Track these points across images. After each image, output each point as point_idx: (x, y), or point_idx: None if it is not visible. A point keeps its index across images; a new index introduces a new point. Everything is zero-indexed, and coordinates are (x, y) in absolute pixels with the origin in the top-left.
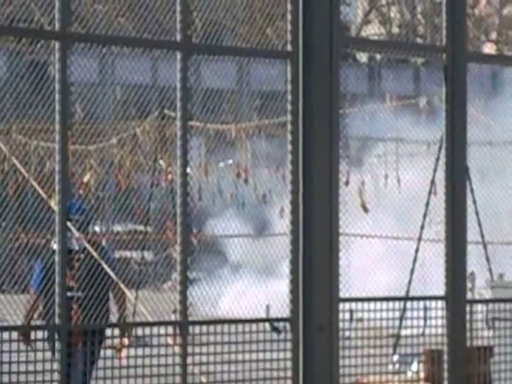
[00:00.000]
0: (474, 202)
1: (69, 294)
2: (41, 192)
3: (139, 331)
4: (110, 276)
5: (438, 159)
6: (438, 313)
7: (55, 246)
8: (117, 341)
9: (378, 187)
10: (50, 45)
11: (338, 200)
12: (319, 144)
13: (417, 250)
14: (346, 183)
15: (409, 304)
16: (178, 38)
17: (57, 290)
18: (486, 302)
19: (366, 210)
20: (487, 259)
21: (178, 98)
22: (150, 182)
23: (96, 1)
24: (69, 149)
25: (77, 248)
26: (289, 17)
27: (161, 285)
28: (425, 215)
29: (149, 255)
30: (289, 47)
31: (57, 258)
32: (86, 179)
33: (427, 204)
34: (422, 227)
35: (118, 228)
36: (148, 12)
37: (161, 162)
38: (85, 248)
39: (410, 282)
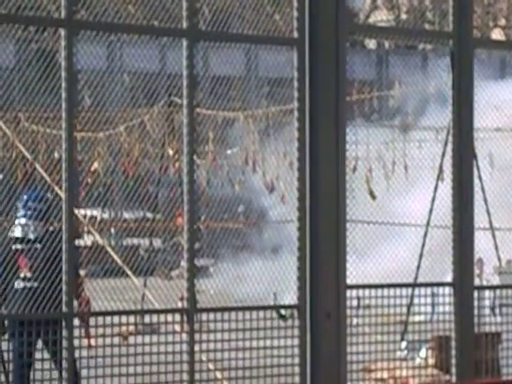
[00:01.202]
0: (483, 189)
1: (23, 284)
2: (48, 179)
3: (147, 318)
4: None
5: (446, 144)
6: (445, 299)
7: (13, 234)
8: (124, 328)
9: (386, 173)
10: (56, 32)
11: (345, 187)
12: (326, 131)
13: (425, 235)
14: (354, 170)
15: (417, 290)
16: (185, 25)
17: (64, 279)
18: (493, 288)
19: (373, 197)
20: (495, 245)
21: (185, 86)
22: (158, 169)
23: None
24: (76, 136)
25: (32, 237)
26: (295, 4)
27: (169, 272)
28: (433, 200)
29: (157, 242)
30: (295, 34)
31: (64, 246)
32: (94, 167)
33: (435, 189)
34: (431, 211)
35: (126, 215)
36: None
37: (168, 149)
38: (43, 237)
39: (418, 268)
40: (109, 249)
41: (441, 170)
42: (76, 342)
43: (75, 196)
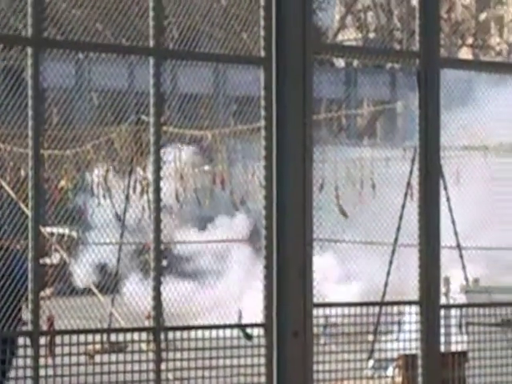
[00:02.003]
0: (450, 210)
1: None
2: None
3: (113, 337)
4: (23, 284)
5: (413, 162)
6: (412, 317)
7: None
8: (90, 347)
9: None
10: (24, 50)
11: (311, 204)
12: (292, 149)
13: (393, 252)
14: (321, 188)
15: (384, 309)
16: (151, 43)
17: (30, 297)
18: (460, 306)
19: (345, 215)
20: (463, 265)
21: (152, 104)
22: (126, 186)
23: (74, 6)
24: (43, 154)
25: None
26: (262, 23)
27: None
28: (401, 217)
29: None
30: (262, 53)
31: (30, 265)
32: (61, 184)
33: (403, 206)
34: (399, 229)
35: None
36: (125, 18)
37: (137, 168)
38: None
39: (385, 286)
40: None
41: (408, 188)
42: (41, 361)
43: (42, 214)
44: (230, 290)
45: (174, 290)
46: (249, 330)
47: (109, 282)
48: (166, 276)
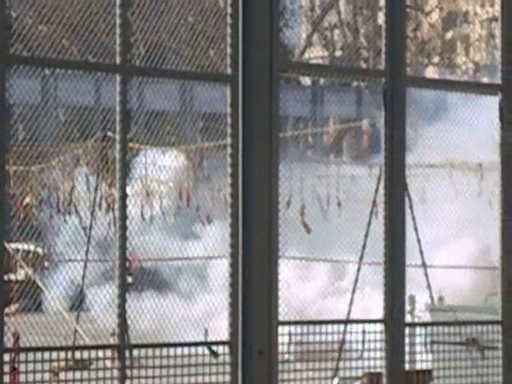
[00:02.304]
0: (416, 229)
1: None
2: None
3: (78, 354)
4: None
5: (379, 180)
6: (377, 336)
7: None
8: (54, 364)
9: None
10: None
11: (277, 222)
12: (259, 166)
13: (358, 270)
14: (288, 204)
15: (349, 327)
16: (118, 60)
17: None
18: (425, 325)
19: (308, 230)
20: (428, 284)
21: (118, 121)
22: (92, 202)
23: (41, 22)
24: (8, 171)
25: None
26: (228, 40)
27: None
28: (366, 235)
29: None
30: (228, 71)
31: None
32: (27, 201)
33: (369, 223)
34: (364, 247)
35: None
36: (92, 34)
37: (103, 184)
38: None
39: (351, 303)
40: (40, 283)
41: (374, 206)
42: (5, 379)
43: (6, 231)
44: (200, 307)
45: (144, 305)
46: (215, 348)
47: (74, 298)
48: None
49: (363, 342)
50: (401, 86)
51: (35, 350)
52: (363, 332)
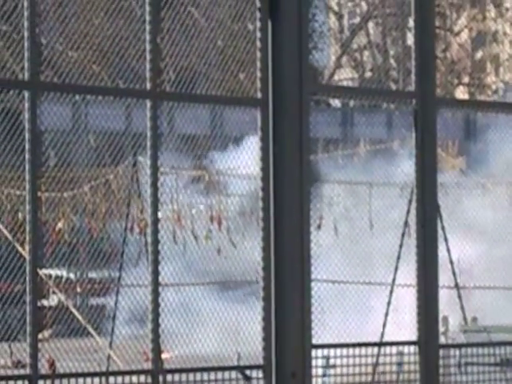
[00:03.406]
0: (448, 250)
1: None
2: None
3: (112, 380)
4: None
5: (410, 201)
6: (411, 358)
7: None
8: None
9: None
10: (21, 93)
11: (309, 245)
12: (290, 189)
13: (391, 292)
14: (319, 227)
15: (383, 349)
16: (148, 86)
17: (28, 341)
18: (458, 346)
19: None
20: (461, 305)
21: (149, 146)
22: (124, 228)
23: (71, 48)
24: (40, 198)
25: None
26: (258, 64)
27: (137, 331)
28: (398, 257)
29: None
30: (259, 94)
31: (28, 308)
32: (58, 226)
33: (401, 246)
34: (396, 269)
35: (92, 275)
36: (122, 60)
37: (134, 209)
38: None
39: (384, 326)
40: (73, 309)
41: (406, 227)
42: None
43: (40, 257)
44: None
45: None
46: (247, 372)
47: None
48: None
49: (398, 364)
50: (431, 107)
51: (69, 375)
52: (399, 354)
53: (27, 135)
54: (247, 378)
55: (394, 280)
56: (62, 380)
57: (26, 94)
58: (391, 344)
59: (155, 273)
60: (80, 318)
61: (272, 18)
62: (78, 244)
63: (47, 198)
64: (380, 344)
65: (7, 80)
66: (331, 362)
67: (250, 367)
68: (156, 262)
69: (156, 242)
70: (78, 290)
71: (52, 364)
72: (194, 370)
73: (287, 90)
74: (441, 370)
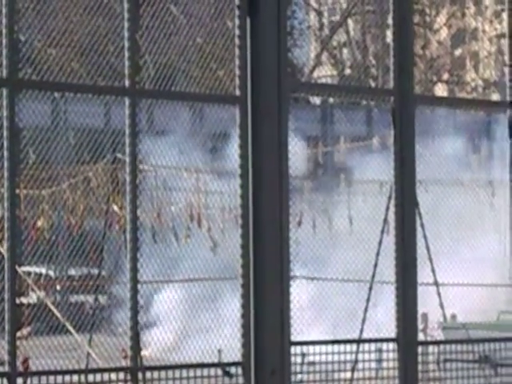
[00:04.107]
0: (427, 248)
1: None
2: None
3: (91, 377)
4: None
5: (389, 198)
6: (389, 355)
7: None
8: None
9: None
10: None
11: (288, 242)
12: (269, 186)
13: (370, 289)
14: (299, 223)
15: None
16: (127, 83)
17: (6, 339)
18: (437, 343)
19: None
20: (440, 303)
21: (127, 144)
22: (103, 225)
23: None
24: (19, 195)
25: None
26: (237, 62)
27: (116, 329)
28: (377, 254)
29: (103, 299)
30: (237, 92)
31: (6, 305)
32: (39, 224)
33: (380, 243)
34: (376, 266)
35: (72, 272)
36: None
37: (114, 206)
38: None
39: (363, 321)
40: (52, 306)
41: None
42: None
43: (18, 255)
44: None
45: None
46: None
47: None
48: None
49: (377, 361)
50: (409, 105)
51: (48, 373)
52: (378, 351)
53: (5, 133)
54: (228, 375)
55: (373, 276)
56: (41, 377)
57: (5, 91)
58: (369, 341)
59: (134, 270)
60: (59, 315)
61: (251, 15)
62: (58, 241)
63: (25, 195)
64: (359, 341)
65: None
66: (310, 359)
67: (229, 364)
68: (135, 260)
69: (135, 239)
70: (58, 287)
71: (25, 361)
72: (174, 367)
73: (266, 88)
74: (420, 367)
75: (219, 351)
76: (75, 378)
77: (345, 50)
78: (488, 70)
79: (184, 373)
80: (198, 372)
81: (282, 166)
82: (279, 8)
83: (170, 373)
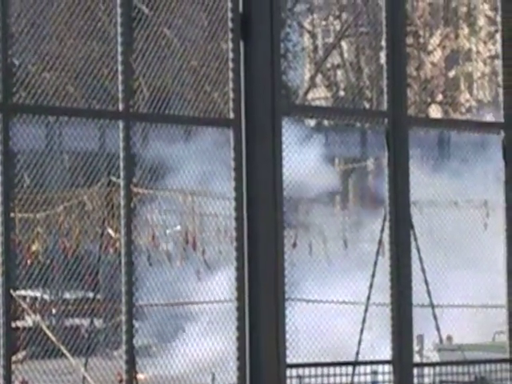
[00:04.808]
0: (423, 270)
1: None
2: None
3: None
4: None
5: (384, 220)
6: (385, 377)
7: None
8: None
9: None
10: None
11: (283, 264)
12: (264, 209)
13: (366, 311)
14: (294, 245)
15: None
16: (121, 107)
17: (1, 363)
18: (433, 365)
19: None
20: (436, 325)
21: (122, 167)
22: (98, 248)
23: (44, 69)
24: (13, 219)
25: None
26: (231, 84)
27: (111, 352)
28: (373, 275)
29: (99, 322)
30: (231, 114)
31: (1, 329)
32: (34, 248)
33: (375, 264)
34: (371, 286)
35: (67, 295)
36: (95, 80)
37: (109, 229)
38: None
39: (359, 344)
40: (47, 330)
41: (380, 245)
42: None
43: (13, 279)
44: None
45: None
46: None
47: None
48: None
49: (373, 383)
50: (403, 127)
51: None
52: (373, 373)
53: (0, 157)
54: None
55: (368, 297)
56: None
57: None
58: (365, 363)
59: (129, 293)
60: (54, 339)
61: (244, 38)
62: (52, 265)
63: (20, 219)
64: (355, 363)
65: None
66: (306, 381)
67: None
68: (130, 283)
69: (130, 263)
70: (53, 310)
71: None
72: None
73: (260, 111)
74: None
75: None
76: None
77: (339, 72)
78: (482, 91)
79: None
80: None
81: (276, 188)
82: (272, 31)
83: None
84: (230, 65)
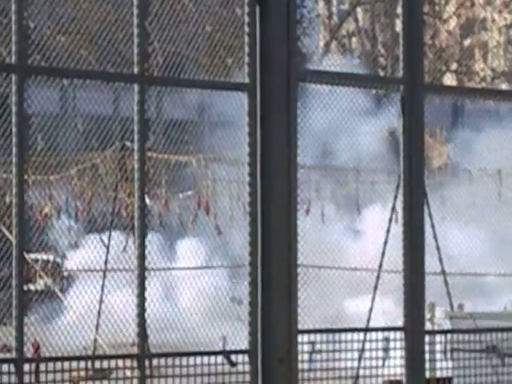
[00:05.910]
0: (435, 237)
1: None
2: None
3: (98, 364)
4: None
5: (397, 187)
6: (397, 344)
7: None
8: (74, 373)
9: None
10: (8, 76)
11: (296, 230)
12: (277, 173)
13: (378, 277)
14: (307, 212)
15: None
16: (136, 70)
17: (14, 324)
18: (444, 332)
19: None
20: (448, 292)
21: (136, 131)
22: (111, 212)
23: (58, 32)
24: (27, 180)
25: None
26: (246, 49)
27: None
28: (385, 243)
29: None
30: (246, 79)
31: (14, 292)
32: (46, 210)
33: (388, 231)
34: (383, 254)
35: None
36: (110, 44)
37: (121, 192)
38: None
39: (370, 311)
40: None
41: (393, 213)
42: None
43: (26, 241)
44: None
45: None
46: (233, 357)
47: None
48: None
49: (384, 350)
50: (418, 94)
51: (55, 359)
52: (384, 340)
53: (14, 118)
54: (232, 364)
55: (380, 265)
56: (48, 364)
57: (14, 77)
58: (377, 330)
59: (141, 257)
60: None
61: (260, 3)
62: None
63: (33, 181)
64: (366, 330)
65: None
66: (317, 347)
67: (236, 352)
68: (142, 247)
69: (143, 226)
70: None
71: (37, 348)
72: (180, 355)
73: (275, 76)
74: (427, 356)
75: (224, 338)
76: (82, 364)
77: (354, 39)
78: (497, 59)
79: (191, 360)
80: (205, 359)
81: (291, 154)
82: None
83: (177, 360)
84: (246, 29)
